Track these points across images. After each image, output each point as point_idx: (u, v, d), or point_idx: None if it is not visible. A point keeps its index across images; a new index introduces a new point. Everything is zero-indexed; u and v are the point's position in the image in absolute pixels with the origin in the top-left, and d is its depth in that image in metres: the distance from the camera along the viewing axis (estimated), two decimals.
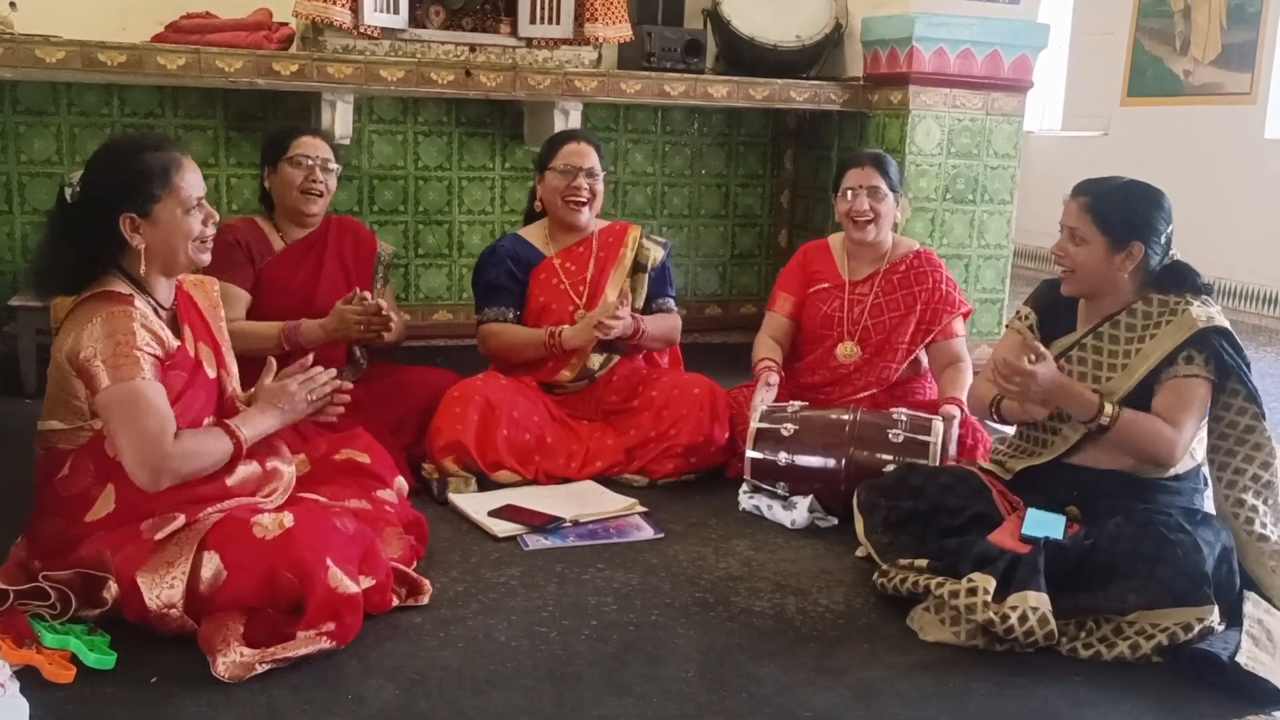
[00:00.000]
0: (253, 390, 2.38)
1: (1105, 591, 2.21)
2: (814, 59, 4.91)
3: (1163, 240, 2.49)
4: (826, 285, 3.39)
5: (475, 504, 2.85)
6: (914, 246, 3.42)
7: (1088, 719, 2.00)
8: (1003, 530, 2.42)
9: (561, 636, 2.21)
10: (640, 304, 3.38)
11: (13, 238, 4.38)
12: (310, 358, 2.44)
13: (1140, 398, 2.45)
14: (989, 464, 2.74)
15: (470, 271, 3.68)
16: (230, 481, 2.21)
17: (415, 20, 4.44)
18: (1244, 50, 6.49)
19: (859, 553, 2.64)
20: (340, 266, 3.21)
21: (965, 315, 3.35)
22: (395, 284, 3.51)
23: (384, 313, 2.98)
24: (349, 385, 2.43)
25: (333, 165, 3.15)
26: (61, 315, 2.20)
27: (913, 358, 3.34)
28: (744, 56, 4.80)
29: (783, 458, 2.96)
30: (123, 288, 2.17)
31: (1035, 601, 2.16)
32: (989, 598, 2.18)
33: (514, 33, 4.52)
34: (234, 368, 2.41)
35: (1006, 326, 2.85)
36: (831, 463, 2.93)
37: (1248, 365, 2.45)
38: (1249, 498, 2.46)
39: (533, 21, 4.49)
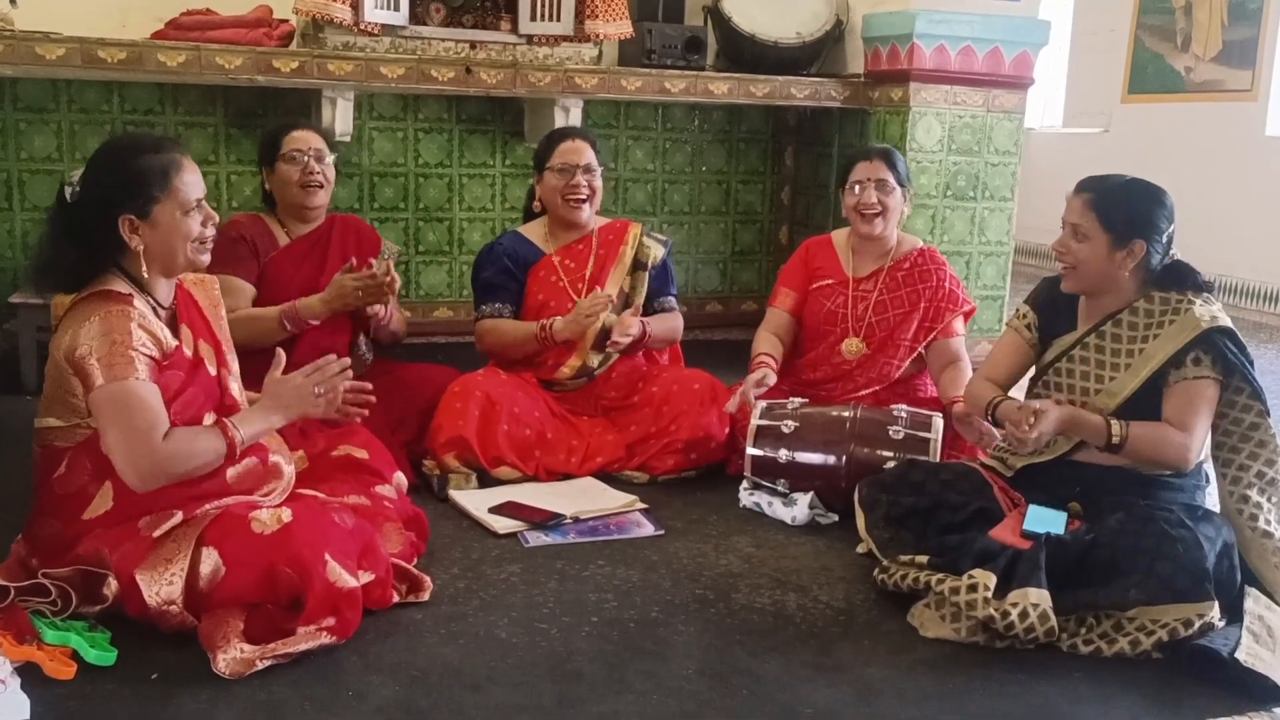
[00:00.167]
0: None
1: (1106, 588, 2.21)
2: (815, 56, 4.90)
3: (1164, 239, 2.49)
4: (830, 281, 3.39)
5: (476, 501, 2.85)
6: (917, 244, 3.41)
7: (1088, 715, 2.00)
8: (1004, 526, 2.42)
9: (562, 633, 2.21)
10: (640, 302, 3.38)
11: (13, 235, 4.38)
12: (332, 358, 2.35)
13: (1145, 397, 2.45)
14: (990, 460, 2.74)
15: (470, 269, 3.68)
16: (229, 477, 2.21)
17: (416, 17, 4.43)
18: (1245, 47, 6.48)
19: (860, 549, 2.64)
20: (343, 263, 3.20)
21: (968, 314, 3.35)
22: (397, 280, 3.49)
23: (377, 277, 2.95)
24: (368, 386, 2.38)
25: (327, 155, 3.15)
26: (61, 313, 2.20)
27: (914, 355, 3.34)
28: (744, 53, 4.79)
29: (783, 454, 2.96)
30: (122, 287, 2.16)
31: (1036, 598, 2.16)
32: (989, 594, 2.18)
33: (514, 30, 4.52)
34: (235, 366, 2.41)
35: (1006, 325, 2.84)
36: (832, 459, 2.93)
37: (1251, 364, 2.46)
38: (1253, 494, 2.46)
39: (533, 18, 4.49)
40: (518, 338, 3.26)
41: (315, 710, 1.89)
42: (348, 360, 2.32)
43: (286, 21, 4.35)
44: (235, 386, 2.38)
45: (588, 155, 3.31)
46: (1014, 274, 4.93)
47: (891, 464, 2.81)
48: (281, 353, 2.34)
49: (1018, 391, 2.72)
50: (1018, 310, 2.75)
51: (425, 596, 2.31)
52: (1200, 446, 2.44)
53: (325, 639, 2.03)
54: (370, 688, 1.97)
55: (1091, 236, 2.48)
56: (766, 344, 3.34)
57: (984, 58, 4.56)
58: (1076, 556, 2.27)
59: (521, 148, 4.96)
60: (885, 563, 2.45)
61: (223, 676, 1.95)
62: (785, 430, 2.98)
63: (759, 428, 3.00)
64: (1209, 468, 2.57)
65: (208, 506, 2.14)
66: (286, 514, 2.11)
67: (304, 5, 4.15)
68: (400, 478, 2.64)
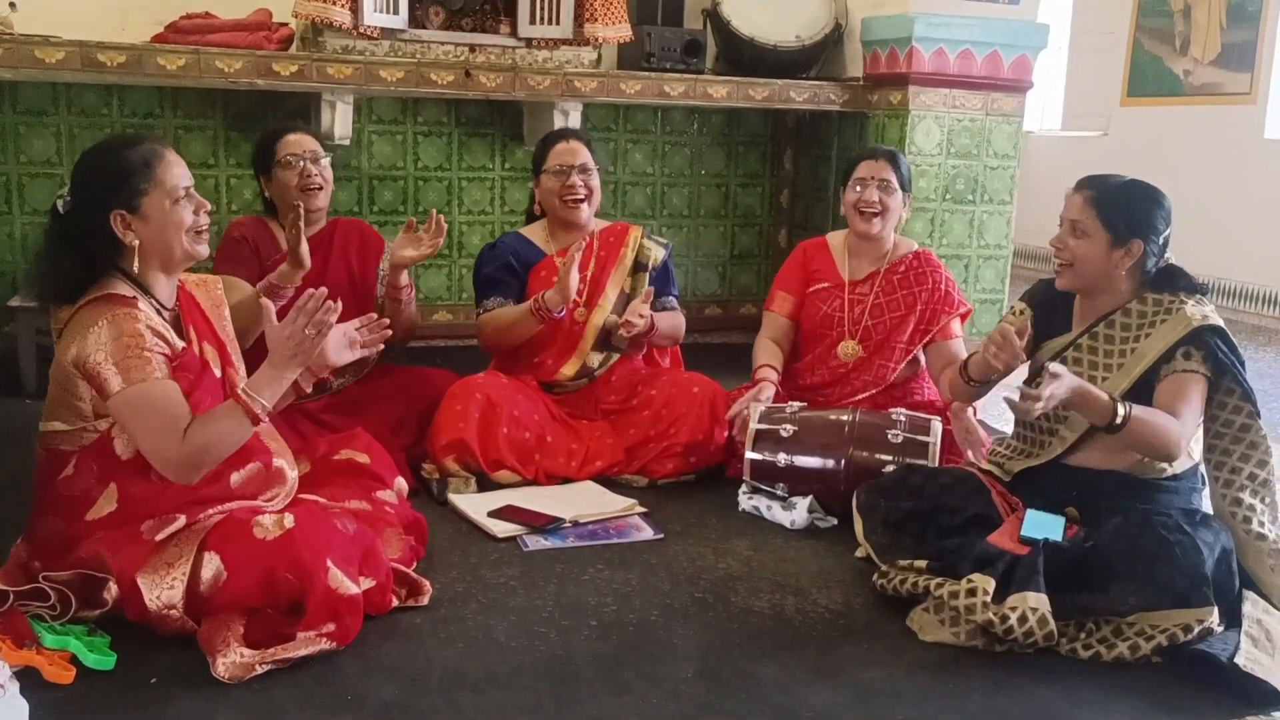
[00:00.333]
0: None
1: (1105, 593, 2.21)
2: (813, 59, 4.91)
3: (1161, 241, 2.49)
4: (826, 285, 3.39)
5: (475, 504, 2.85)
6: (914, 247, 3.42)
7: (1087, 719, 2.00)
8: (1002, 531, 2.42)
9: (561, 636, 2.21)
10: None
11: (12, 238, 4.38)
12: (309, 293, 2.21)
13: (1138, 396, 2.45)
14: (988, 465, 2.74)
15: (470, 272, 3.67)
16: (233, 482, 2.21)
17: (415, 20, 4.44)
18: (1244, 50, 6.49)
19: (858, 553, 2.64)
20: (345, 267, 3.21)
21: (964, 316, 3.35)
22: None
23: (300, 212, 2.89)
24: (385, 320, 2.35)
25: (322, 155, 3.15)
26: (63, 319, 2.20)
27: (910, 358, 3.34)
28: (744, 57, 4.80)
29: (782, 458, 2.96)
30: (125, 289, 2.17)
31: (1035, 602, 2.16)
32: (988, 598, 2.18)
33: (514, 33, 4.52)
34: (242, 367, 2.41)
35: (1001, 322, 2.84)
36: (831, 463, 2.93)
37: (1242, 363, 2.46)
38: (1246, 496, 2.46)
39: (532, 22, 4.49)
40: (515, 317, 3.24)
41: (314, 713, 1.90)
42: (324, 290, 2.15)
43: (286, 25, 4.35)
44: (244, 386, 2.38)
45: (583, 155, 3.31)
46: (1013, 277, 4.93)
47: (890, 468, 2.82)
48: (270, 303, 2.24)
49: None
50: (1014, 307, 2.75)
51: (424, 600, 2.31)
52: (1189, 437, 2.43)
53: (325, 645, 2.03)
54: (369, 690, 1.97)
55: (1090, 234, 2.48)
56: (767, 354, 3.34)
57: (983, 61, 4.57)
58: (1075, 561, 2.28)
59: (521, 151, 4.97)
60: (884, 568, 2.45)
61: (222, 680, 1.95)
62: (784, 434, 2.98)
63: (758, 431, 3.00)
64: (1204, 469, 2.58)
65: (211, 511, 2.14)
66: (289, 520, 2.11)
67: (303, 9, 4.15)
68: (401, 483, 2.64)
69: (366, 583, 2.16)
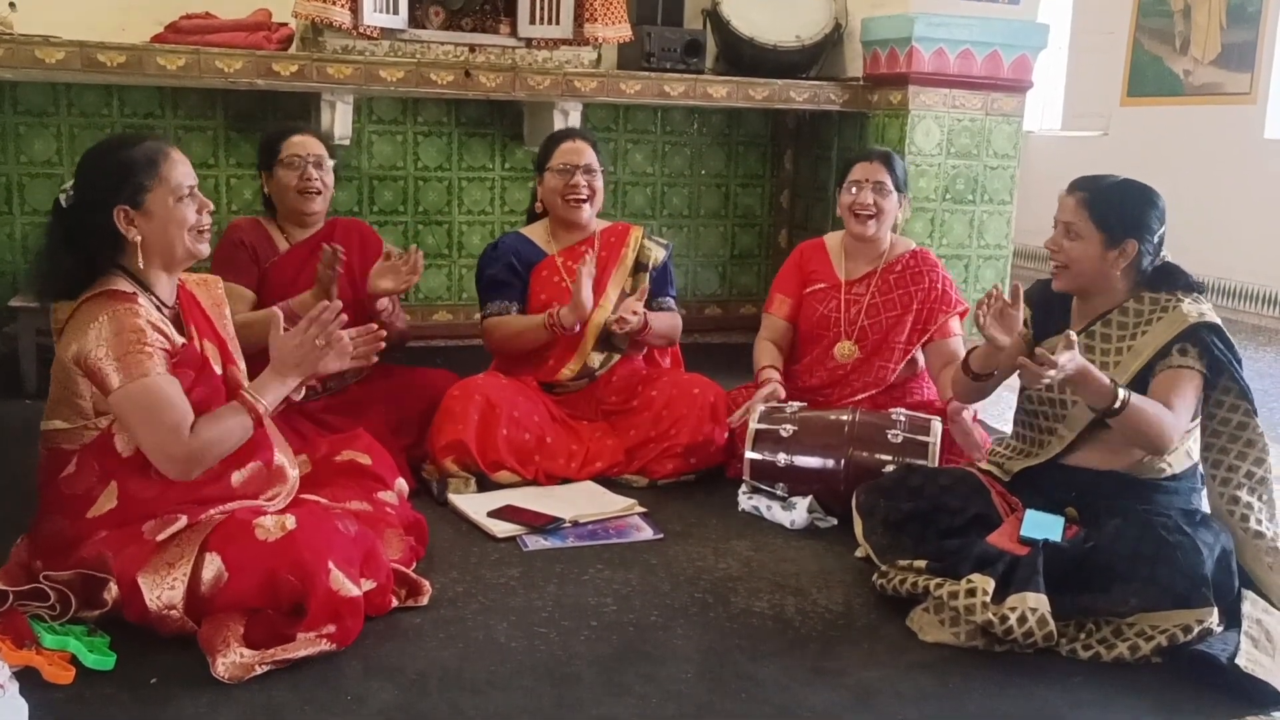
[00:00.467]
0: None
1: (1105, 594, 2.21)
2: (813, 59, 4.91)
3: (1155, 240, 2.50)
4: (823, 285, 3.40)
5: (475, 505, 2.85)
6: (910, 246, 3.42)
7: (1087, 719, 2.00)
8: (1001, 532, 2.42)
9: (561, 637, 2.21)
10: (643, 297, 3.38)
11: (13, 238, 4.38)
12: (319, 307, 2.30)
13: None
14: (987, 465, 2.74)
15: (470, 272, 3.68)
16: (234, 482, 2.21)
17: (415, 20, 4.44)
18: (1244, 50, 6.49)
19: (858, 553, 2.64)
20: (345, 267, 3.20)
21: (962, 314, 3.35)
22: None
23: (339, 254, 2.92)
24: (383, 334, 2.34)
25: (327, 161, 3.15)
26: (63, 316, 2.20)
27: (910, 357, 3.34)
28: (744, 57, 4.80)
29: (782, 459, 2.96)
30: (125, 286, 2.17)
31: (1034, 602, 2.16)
32: (988, 599, 2.18)
33: (513, 33, 4.52)
34: (243, 364, 2.41)
35: None
36: (830, 463, 2.93)
37: (1239, 361, 2.46)
38: (1243, 494, 2.46)
39: (532, 22, 4.49)
40: (526, 326, 3.25)
41: (314, 714, 1.90)
42: (339, 304, 2.27)
43: (286, 25, 4.36)
44: (245, 383, 2.38)
45: (588, 156, 3.31)
46: (1013, 277, 4.91)
47: (890, 468, 2.82)
48: (279, 312, 2.33)
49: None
50: (1016, 284, 2.75)
51: (424, 601, 2.31)
52: (1181, 431, 2.43)
53: (325, 646, 2.03)
54: (369, 691, 1.97)
55: (1084, 235, 2.48)
56: (768, 355, 3.34)
57: (983, 61, 4.57)
58: (1075, 562, 2.27)
59: (521, 151, 4.97)
60: (884, 568, 2.45)
61: (222, 681, 1.95)
62: (784, 434, 2.98)
63: (757, 432, 3.00)
64: (1202, 468, 2.57)
65: (212, 511, 2.14)
66: (290, 521, 2.11)
67: (303, 9, 4.15)
68: (402, 483, 2.64)
69: (367, 584, 2.16)
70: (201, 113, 4.55)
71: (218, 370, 2.30)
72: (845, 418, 3.02)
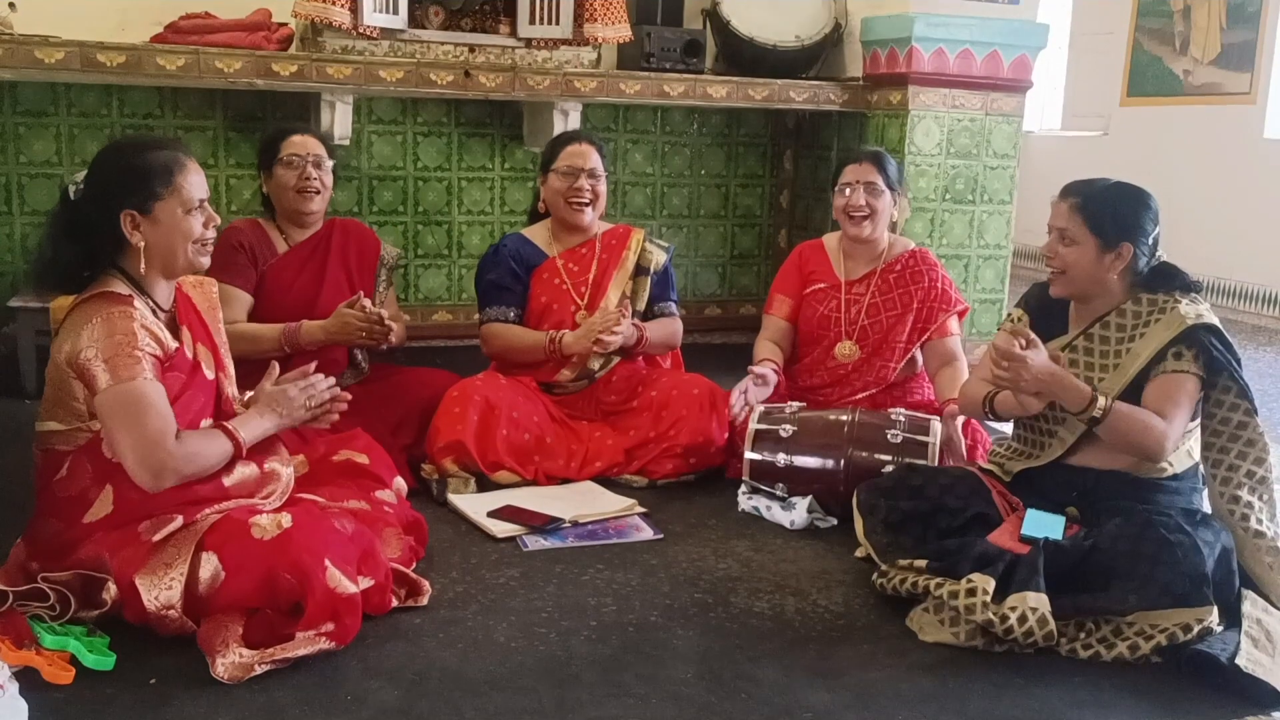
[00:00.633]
0: (251, 394, 2.39)
1: (1105, 593, 2.21)
2: (813, 59, 4.91)
3: (1150, 241, 2.50)
4: (823, 286, 3.40)
5: (474, 505, 2.85)
6: (909, 246, 3.42)
7: (1087, 719, 2.00)
8: (1002, 531, 2.42)
9: (561, 637, 2.21)
10: (642, 306, 3.38)
11: (12, 239, 4.38)
12: (312, 365, 2.44)
13: (1132, 397, 2.45)
14: (988, 464, 2.74)
15: (470, 272, 3.68)
16: (228, 483, 2.21)
17: (414, 20, 4.44)
18: (1243, 50, 6.49)
19: (858, 553, 2.64)
20: (343, 269, 3.21)
21: (961, 314, 3.36)
22: (396, 285, 3.50)
23: (385, 322, 2.98)
24: (347, 396, 2.43)
25: (326, 161, 3.15)
26: (61, 317, 2.20)
27: (909, 357, 3.34)
28: (743, 57, 4.80)
29: (781, 459, 2.96)
30: (122, 288, 2.17)
31: (1035, 602, 2.16)
32: (988, 598, 2.18)
33: (513, 33, 4.52)
34: (231, 370, 2.41)
35: (999, 328, 2.85)
36: (830, 463, 2.93)
37: (1238, 361, 2.46)
38: (1244, 494, 2.46)
39: (532, 22, 4.49)
40: (526, 345, 3.27)
41: (314, 714, 1.89)
42: (333, 380, 2.39)
43: (285, 25, 4.35)
44: (231, 390, 2.39)
45: (593, 159, 3.32)
46: (1012, 277, 4.93)
47: (890, 468, 2.82)
48: (275, 365, 2.40)
49: (1010, 396, 2.71)
50: (1010, 314, 2.76)
51: (424, 601, 2.31)
52: (1178, 439, 2.43)
53: (324, 644, 2.03)
54: (369, 692, 1.97)
55: (1079, 241, 2.48)
56: (766, 352, 3.34)
57: (982, 61, 4.57)
58: (1075, 561, 2.27)
59: (520, 151, 4.97)
60: (884, 567, 2.45)
61: (221, 681, 1.95)
62: (783, 434, 2.98)
63: (757, 432, 3.00)
64: (1204, 467, 2.58)
65: (208, 511, 2.14)
66: (286, 519, 2.11)
67: (303, 9, 4.15)
68: (400, 483, 2.64)
69: (365, 582, 2.16)
70: (201, 113, 4.55)
71: (210, 375, 2.30)
72: (845, 418, 3.02)
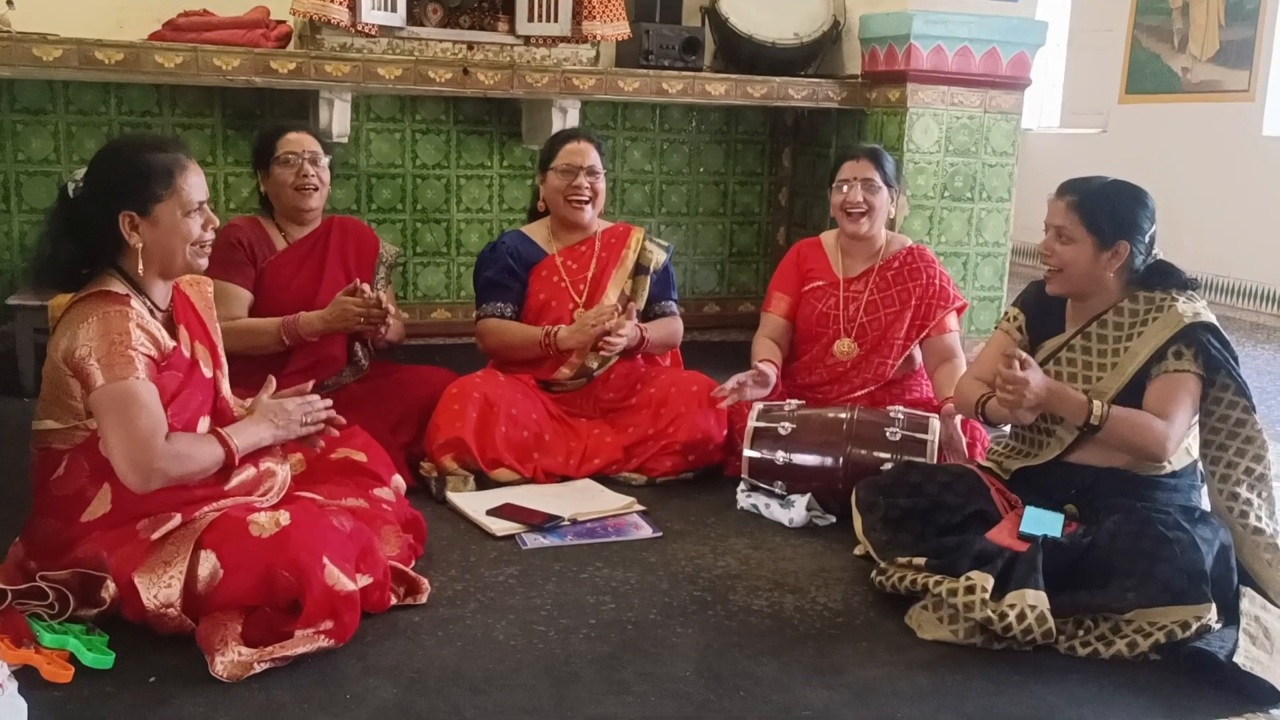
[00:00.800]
0: (250, 401, 2.39)
1: (1104, 590, 2.21)
2: (812, 56, 4.91)
3: (1147, 239, 2.50)
4: (821, 283, 3.40)
5: (473, 503, 2.85)
6: (907, 243, 3.43)
7: (1085, 717, 2.00)
8: (1001, 528, 2.42)
9: (560, 635, 2.21)
10: (641, 305, 3.38)
11: (10, 237, 4.38)
12: (310, 385, 2.46)
13: (1131, 396, 2.46)
14: (987, 462, 2.74)
15: (468, 270, 3.68)
16: (225, 484, 2.21)
17: (413, 18, 4.44)
18: (1242, 47, 6.49)
19: (857, 551, 2.65)
20: (342, 266, 3.21)
21: (960, 310, 3.36)
22: (395, 284, 3.50)
23: (383, 305, 2.98)
24: (342, 421, 2.43)
25: (322, 158, 3.15)
26: (59, 315, 2.20)
27: (907, 354, 3.34)
28: (742, 54, 4.80)
29: (780, 456, 2.96)
30: (119, 287, 2.16)
31: (1033, 600, 2.16)
32: (987, 596, 2.19)
33: (512, 31, 4.52)
34: (226, 368, 2.41)
35: (996, 327, 2.85)
36: (829, 461, 2.93)
37: (1235, 359, 2.46)
38: (1243, 491, 2.46)
39: (530, 19, 4.49)
40: (521, 341, 3.27)
41: (313, 712, 1.89)
42: (329, 402, 2.40)
43: (284, 22, 4.35)
44: (227, 389, 2.39)
45: (592, 157, 3.32)
46: (1011, 275, 4.93)
47: (888, 465, 2.82)
48: (272, 379, 2.41)
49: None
50: (1007, 313, 2.76)
51: (423, 599, 2.31)
52: (1180, 439, 2.44)
53: (323, 642, 2.03)
54: (368, 690, 1.97)
55: (1077, 239, 2.49)
56: (765, 350, 3.34)
57: (981, 58, 4.57)
58: (1074, 559, 2.28)
59: (519, 149, 4.97)
60: (883, 565, 2.45)
61: (220, 679, 1.95)
62: (782, 432, 2.98)
63: (756, 430, 3.00)
64: (1203, 465, 2.58)
65: (206, 509, 2.14)
66: (285, 517, 2.11)
67: (301, 6, 4.15)
68: (399, 480, 2.64)
69: (364, 580, 2.15)
70: (199, 110, 4.54)
71: (207, 373, 2.30)
72: (844, 415, 3.02)
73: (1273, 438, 2.56)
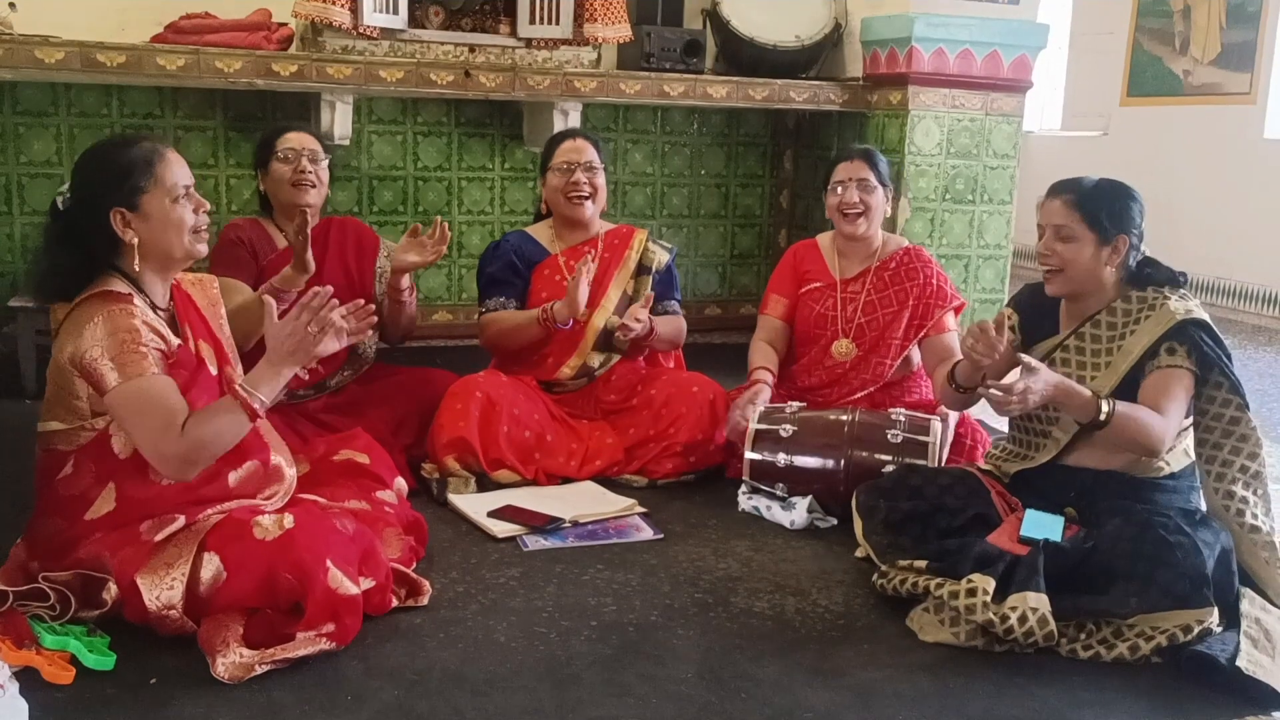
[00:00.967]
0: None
1: (1106, 595, 2.21)
2: (813, 59, 4.91)
3: (1139, 233, 2.52)
4: (819, 285, 3.40)
5: (475, 504, 2.85)
6: (903, 243, 3.43)
7: (1087, 719, 2.00)
8: (1001, 532, 2.42)
9: (561, 637, 2.21)
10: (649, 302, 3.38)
11: (12, 239, 4.38)
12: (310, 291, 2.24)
13: (1124, 394, 2.46)
14: (988, 465, 2.74)
15: (470, 272, 3.68)
16: (231, 482, 2.21)
17: (414, 20, 4.44)
18: (1243, 50, 6.49)
19: (858, 553, 2.64)
20: (342, 267, 3.21)
21: (958, 309, 3.36)
22: None
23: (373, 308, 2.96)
24: (371, 306, 2.27)
25: (321, 156, 3.16)
26: (61, 317, 2.20)
27: (905, 355, 3.34)
28: (743, 57, 4.80)
29: (781, 459, 2.96)
30: (121, 287, 2.17)
31: (1035, 602, 2.16)
32: (988, 598, 2.18)
33: (513, 33, 4.53)
34: (239, 365, 2.41)
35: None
36: (830, 463, 2.93)
37: (1228, 356, 2.46)
38: (1238, 489, 2.46)
39: (532, 22, 4.49)
40: (520, 322, 3.26)
41: (314, 714, 1.89)
42: (330, 289, 2.18)
43: (285, 25, 4.35)
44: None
45: (589, 153, 3.32)
46: (1012, 277, 4.93)
47: (890, 468, 2.82)
48: (272, 300, 2.24)
49: (968, 365, 2.71)
50: (1001, 313, 2.76)
51: (424, 601, 2.31)
52: (1174, 433, 2.44)
53: (325, 645, 2.03)
54: (369, 692, 1.97)
55: (1078, 237, 2.49)
56: (762, 356, 3.34)
57: (982, 61, 4.57)
58: (1075, 563, 2.28)
59: (520, 151, 4.97)
60: (884, 568, 2.45)
61: (222, 681, 1.95)
62: (783, 434, 2.98)
63: (757, 432, 3.00)
64: (1198, 464, 2.58)
65: (210, 511, 2.14)
66: (288, 520, 2.11)
67: (303, 8, 4.16)
68: (401, 483, 2.64)
69: (366, 583, 2.16)
70: (201, 113, 4.55)
71: (213, 371, 2.30)
72: (845, 418, 3.02)
73: (1273, 440, 2.55)
